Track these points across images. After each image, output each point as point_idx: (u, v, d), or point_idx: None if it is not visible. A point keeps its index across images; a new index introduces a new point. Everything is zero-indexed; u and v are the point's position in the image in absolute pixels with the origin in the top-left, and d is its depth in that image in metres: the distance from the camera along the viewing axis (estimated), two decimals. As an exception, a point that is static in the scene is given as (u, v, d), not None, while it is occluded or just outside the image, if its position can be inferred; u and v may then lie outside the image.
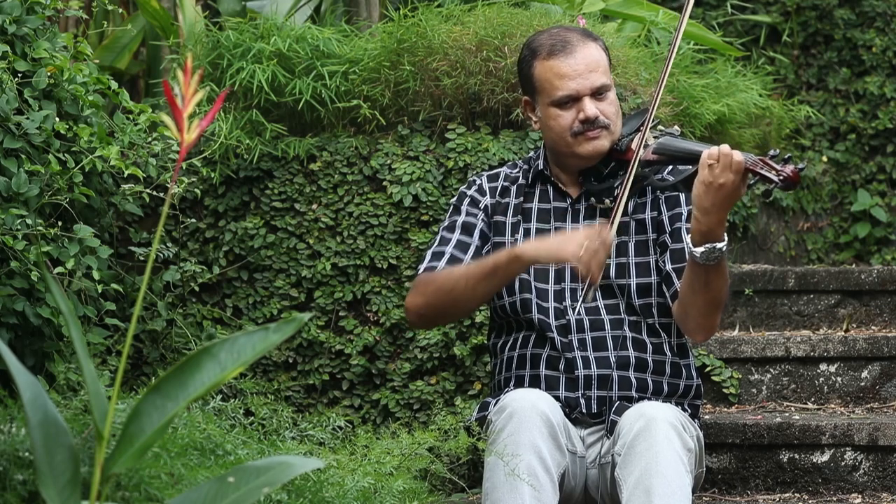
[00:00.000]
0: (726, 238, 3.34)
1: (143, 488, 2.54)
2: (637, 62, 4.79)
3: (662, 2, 5.97)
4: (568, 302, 3.53)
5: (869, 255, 6.42)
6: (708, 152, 3.29)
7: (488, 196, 3.65)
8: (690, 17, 6.12)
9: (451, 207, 3.67)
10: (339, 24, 4.95)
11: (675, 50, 3.53)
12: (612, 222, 3.36)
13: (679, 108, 4.84)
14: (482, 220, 3.63)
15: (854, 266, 5.90)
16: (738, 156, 3.26)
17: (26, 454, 2.49)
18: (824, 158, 6.51)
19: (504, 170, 3.70)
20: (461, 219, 3.62)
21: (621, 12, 5.27)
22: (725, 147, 3.28)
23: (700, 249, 3.31)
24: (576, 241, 3.31)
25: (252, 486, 2.22)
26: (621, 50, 4.77)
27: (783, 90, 6.55)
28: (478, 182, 3.68)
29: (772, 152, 3.30)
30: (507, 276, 3.45)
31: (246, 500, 2.20)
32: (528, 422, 3.27)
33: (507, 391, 3.51)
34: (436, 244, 3.60)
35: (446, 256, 3.56)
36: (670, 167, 3.54)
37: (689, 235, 3.34)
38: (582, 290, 3.40)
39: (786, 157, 3.29)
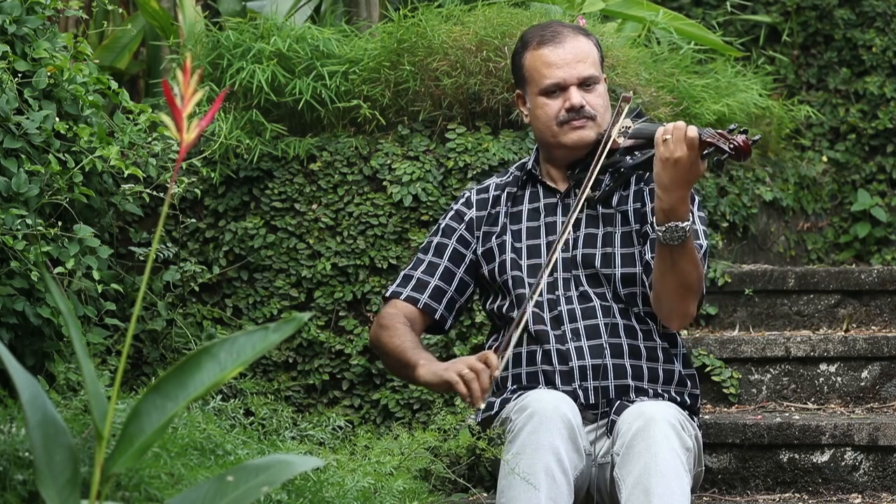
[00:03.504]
0: (691, 218, 3.38)
1: (143, 488, 2.54)
2: (637, 62, 4.79)
3: (662, 2, 5.97)
4: (560, 291, 3.54)
5: (869, 255, 6.41)
6: (662, 128, 3.34)
7: (475, 209, 3.68)
8: (690, 16, 6.13)
9: (436, 224, 3.72)
10: (339, 24, 4.95)
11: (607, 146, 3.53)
12: (515, 332, 3.39)
13: (679, 108, 4.84)
14: (458, 236, 3.67)
15: (854, 266, 5.89)
16: (691, 130, 3.30)
17: (26, 454, 2.49)
18: (824, 158, 6.51)
19: (494, 180, 3.73)
20: (436, 240, 3.69)
21: (621, 12, 5.27)
22: (679, 122, 3.34)
23: (662, 228, 3.34)
24: (464, 362, 3.34)
25: (251, 485, 2.22)
26: (621, 50, 4.77)
27: (783, 90, 6.55)
28: (466, 195, 3.72)
29: (730, 126, 3.34)
30: (410, 380, 3.54)
31: (245, 499, 2.20)
32: (549, 422, 3.27)
33: (512, 388, 3.52)
34: (410, 265, 3.69)
35: (413, 281, 3.65)
36: (652, 152, 3.56)
37: (654, 215, 3.37)
38: (465, 404, 3.44)
39: (742, 129, 3.33)
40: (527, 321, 3.52)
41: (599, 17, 5.14)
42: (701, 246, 3.52)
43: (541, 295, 3.56)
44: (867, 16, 6.60)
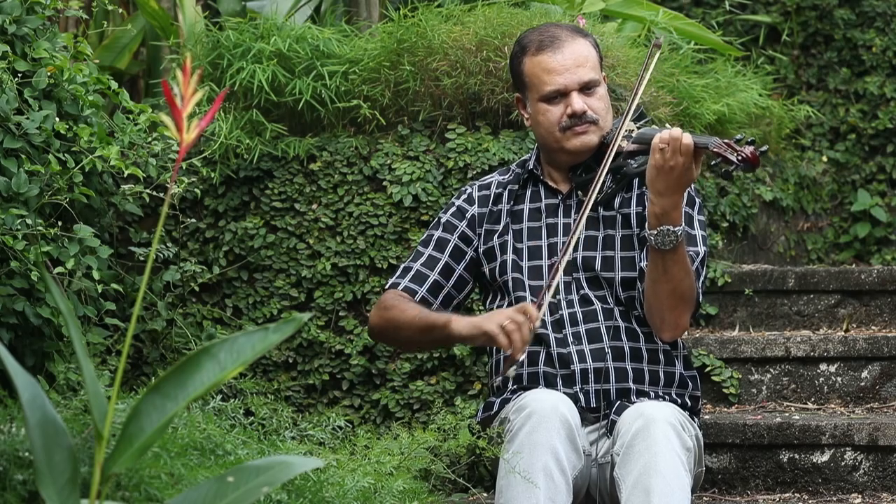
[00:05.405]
0: (683, 223, 3.37)
1: (142, 488, 2.54)
2: (637, 62, 4.79)
3: (662, 2, 5.97)
4: (561, 295, 3.54)
5: (869, 255, 6.41)
6: (659, 136, 3.33)
7: (477, 205, 3.66)
8: (690, 16, 6.13)
9: (436, 218, 3.70)
10: (339, 24, 4.95)
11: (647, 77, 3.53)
12: (545, 297, 3.38)
13: (679, 107, 4.84)
14: (460, 233, 3.65)
15: (854, 266, 5.89)
16: (686, 139, 3.30)
17: (26, 454, 2.49)
18: (824, 158, 6.51)
19: (496, 178, 3.71)
20: (437, 234, 3.66)
21: (621, 12, 5.27)
22: (676, 130, 3.33)
23: (654, 232, 3.35)
24: (503, 314, 3.34)
25: (251, 486, 2.22)
26: (621, 50, 4.77)
27: (783, 90, 6.55)
28: (468, 191, 3.70)
29: (737, 136, 3.33)
30: (440, 339, 3.52)
31: (245, 499, 2.20)
32: (548, 422, 3.27)
33: (512, 388, 3.52)
34: (410, 258, 3.67)
35: (412, 273, 3.63)
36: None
37: (647, 219, 3.37)
38: (504, 364, 3.43)
39: (749, 139, 3.31)
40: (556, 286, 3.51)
41: (599, 17, 5.14)
42: (698, 253, 3.51)
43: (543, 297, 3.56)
44: (867, 16, 6.60)
